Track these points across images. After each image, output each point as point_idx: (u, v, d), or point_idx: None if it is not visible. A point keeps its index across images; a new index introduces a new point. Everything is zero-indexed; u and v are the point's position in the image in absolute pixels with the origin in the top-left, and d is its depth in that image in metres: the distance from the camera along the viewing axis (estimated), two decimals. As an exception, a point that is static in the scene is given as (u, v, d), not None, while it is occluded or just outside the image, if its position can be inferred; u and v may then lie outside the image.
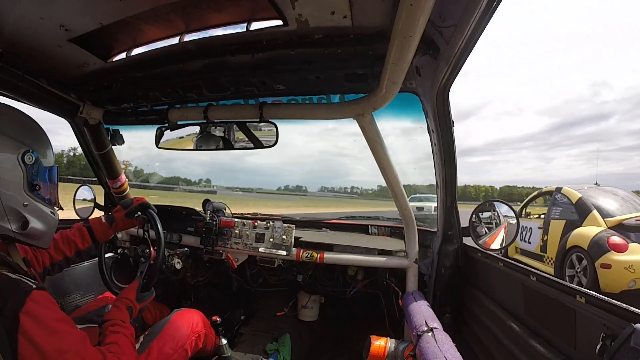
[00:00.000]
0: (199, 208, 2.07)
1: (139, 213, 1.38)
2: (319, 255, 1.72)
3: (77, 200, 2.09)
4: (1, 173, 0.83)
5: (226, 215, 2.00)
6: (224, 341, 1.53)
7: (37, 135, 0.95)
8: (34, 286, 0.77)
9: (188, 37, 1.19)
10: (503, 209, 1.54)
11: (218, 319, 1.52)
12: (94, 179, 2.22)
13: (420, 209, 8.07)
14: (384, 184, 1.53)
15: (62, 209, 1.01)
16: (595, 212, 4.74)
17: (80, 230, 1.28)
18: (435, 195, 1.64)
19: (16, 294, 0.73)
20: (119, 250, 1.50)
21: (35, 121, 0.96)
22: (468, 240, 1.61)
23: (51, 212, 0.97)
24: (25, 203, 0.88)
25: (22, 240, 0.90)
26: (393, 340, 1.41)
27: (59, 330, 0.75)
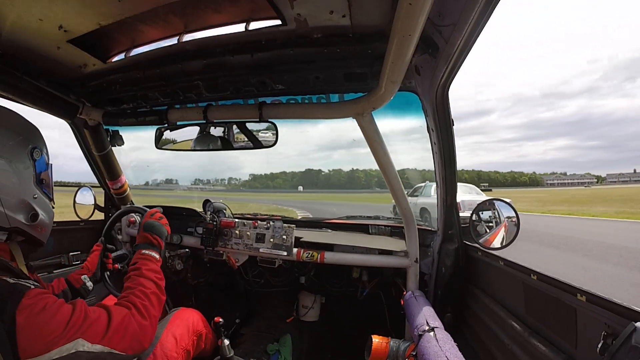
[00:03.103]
0: (199, 209, 2.07)
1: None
2: (319, 255, 1.71)
3: (77, 202, 2.09)
4: (15, 167, 0.89)
5: (227, 215, 2.00)
6: (226, 342, 1.53)
7: (38, 135, 1.00)
8: (32, 287, 0.78)
9: (187, 38, 1.19)
10: (504, 208, 1.53)
11: (220, 320, 1.51)
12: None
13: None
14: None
15: (54, 206, 1.04)
16: None
17: (59, 280, 1.36)
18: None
19: (13, 295, 0.74)
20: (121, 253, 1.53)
21: (32, 123, 1.00)
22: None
23: (52, 205, 1.03)
24: (34, 195, 0.94)
25: (30, 233, 0.93)
26: (394, 340, 1.40)
27: (54, 318, 0.76)
